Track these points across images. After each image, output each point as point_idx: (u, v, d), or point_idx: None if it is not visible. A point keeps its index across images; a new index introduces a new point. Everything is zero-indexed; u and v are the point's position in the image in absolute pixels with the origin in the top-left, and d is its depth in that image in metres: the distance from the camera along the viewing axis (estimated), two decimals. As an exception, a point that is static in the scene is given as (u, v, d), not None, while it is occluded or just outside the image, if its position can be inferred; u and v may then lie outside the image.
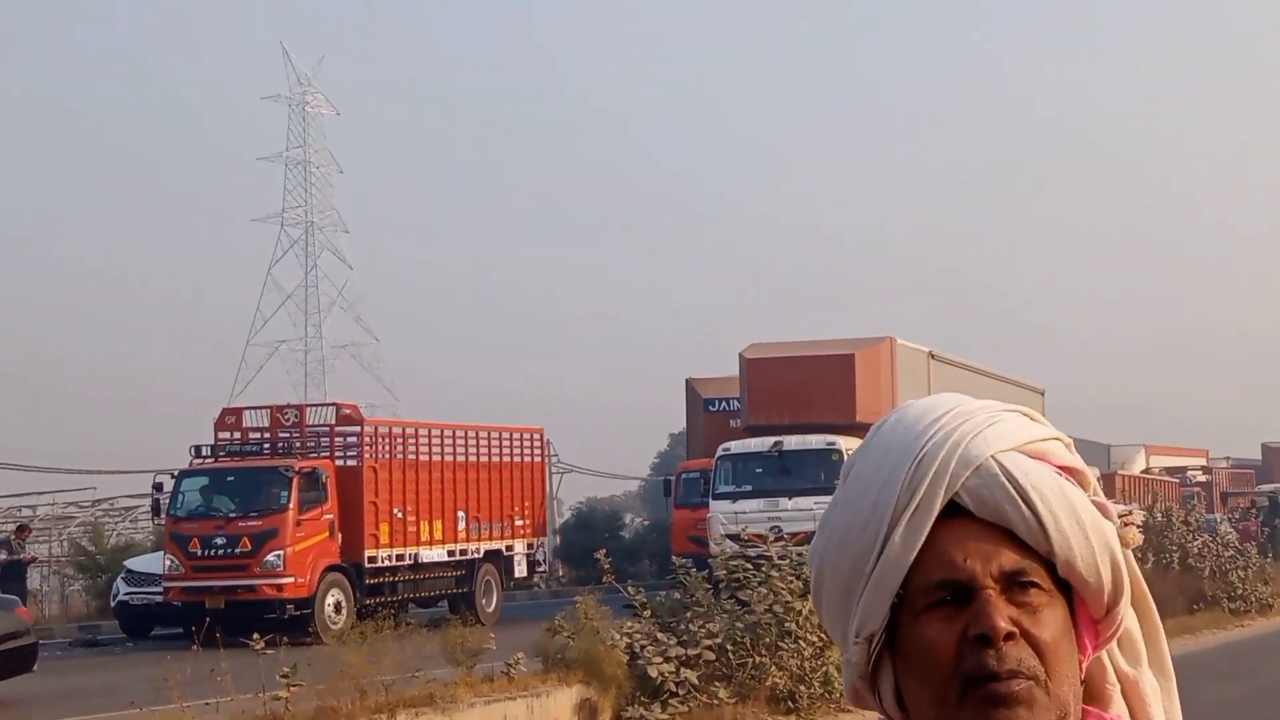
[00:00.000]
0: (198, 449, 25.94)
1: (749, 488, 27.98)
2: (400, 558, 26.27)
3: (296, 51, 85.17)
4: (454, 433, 28.42)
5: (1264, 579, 33.86)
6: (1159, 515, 34.36)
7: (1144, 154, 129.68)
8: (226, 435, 26.45)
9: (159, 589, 25.75)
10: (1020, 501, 1.57)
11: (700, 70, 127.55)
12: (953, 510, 1.59)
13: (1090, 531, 1.58)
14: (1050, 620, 1.56)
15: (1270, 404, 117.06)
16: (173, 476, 26.01)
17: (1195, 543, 32.82)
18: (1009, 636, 1.53)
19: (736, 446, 28.79)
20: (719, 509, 27.75)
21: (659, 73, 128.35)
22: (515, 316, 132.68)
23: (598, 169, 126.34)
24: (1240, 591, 32.85)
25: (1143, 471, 56.63)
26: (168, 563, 24.95)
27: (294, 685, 12.72)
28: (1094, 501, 1.62)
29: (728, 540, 23.85)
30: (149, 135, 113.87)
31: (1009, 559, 1.57)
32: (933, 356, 32.07)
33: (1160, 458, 62.15)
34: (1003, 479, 1.58)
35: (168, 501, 25.54)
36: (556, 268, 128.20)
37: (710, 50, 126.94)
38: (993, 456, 1.59)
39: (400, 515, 26.24)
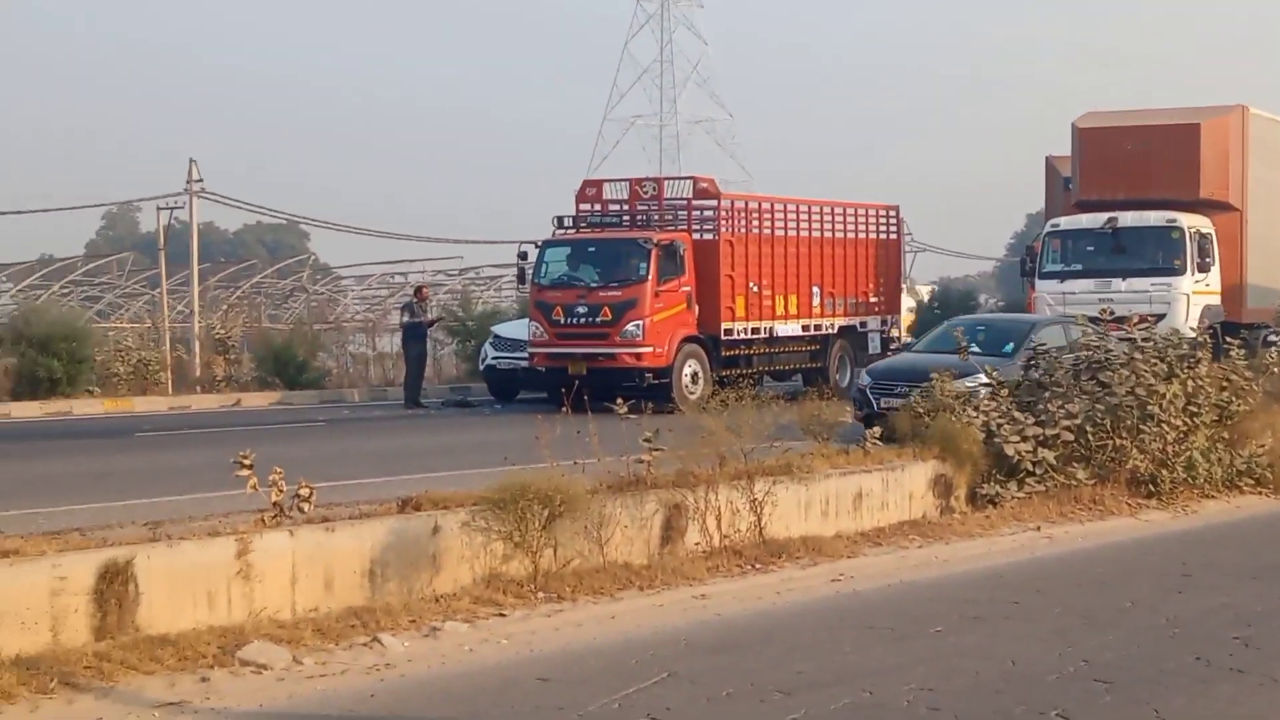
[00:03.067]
0: (560, 219, 26.49)
1: (1078, 267, 26.37)
2: (755, 331, 26.52)
3: None
4: (809, 208, 28.29)
5: None
6: None
7: None
8: (587, 207, 26.92)
9: (524, 355, 26.69)
10: None
11: None
12: None
13: None
14: None
15: None
16: (536, 246, 26.64)
17: None
18: None
19: (1066, 223, 27.01)
20: (1045, 289, 26.37)
21: None
22: (877, 91, 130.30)
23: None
24: None
25: None
26: (533, 329, 25.77)
27: (656, 450, 13.05)
28: None
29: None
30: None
31: None
32: None
33: None
34: None
35: (531, 271, 26.31)
36: (920, 36, 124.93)
37: None
38: None
39: (756, 289, 26.43)
